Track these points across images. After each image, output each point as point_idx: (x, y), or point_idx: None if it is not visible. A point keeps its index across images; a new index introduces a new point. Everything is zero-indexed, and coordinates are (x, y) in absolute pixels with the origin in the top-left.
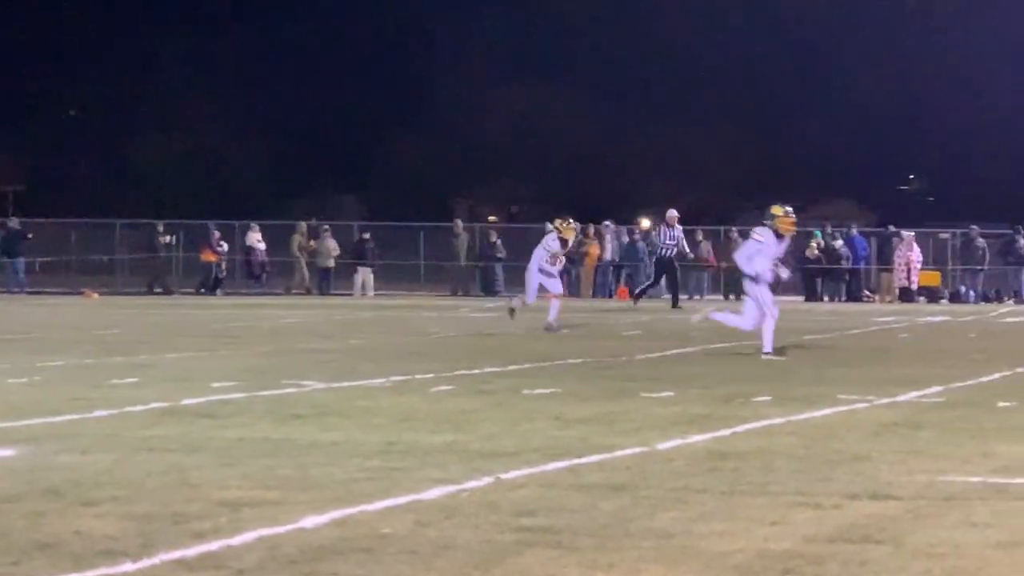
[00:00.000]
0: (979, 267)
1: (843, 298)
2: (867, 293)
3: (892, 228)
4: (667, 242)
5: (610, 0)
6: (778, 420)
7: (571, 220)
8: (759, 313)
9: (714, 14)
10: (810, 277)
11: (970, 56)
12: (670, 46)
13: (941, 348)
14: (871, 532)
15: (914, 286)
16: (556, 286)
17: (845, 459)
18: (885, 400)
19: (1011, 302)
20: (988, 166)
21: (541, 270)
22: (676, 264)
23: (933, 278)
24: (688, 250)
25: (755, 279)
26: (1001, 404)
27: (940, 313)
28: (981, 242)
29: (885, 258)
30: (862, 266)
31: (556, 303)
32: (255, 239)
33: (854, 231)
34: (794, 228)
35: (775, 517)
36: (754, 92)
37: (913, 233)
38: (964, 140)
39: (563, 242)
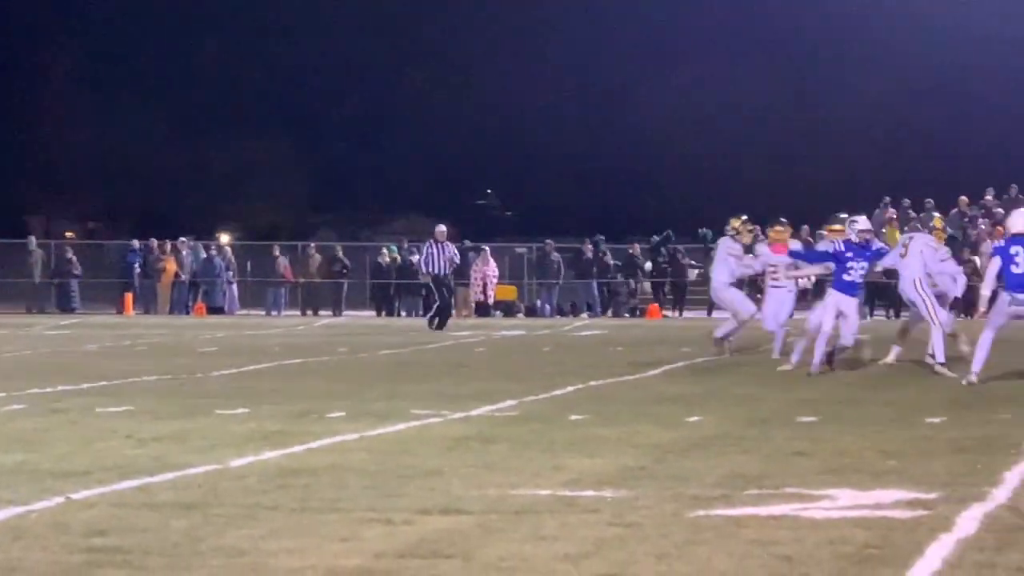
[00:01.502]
0: (554, 281)
1: (420, 313)
2: None
3: (468, 243)
4: (441, 259)
5: (179, 21)
6: (351, 436)
7: (747, 218)
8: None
9: (280, 30)
10: (384, 292)
11: (542, 72)
12: (237, 62)
13: (516, 362)
14: (441, 547)
15: (491, 300)
16: (748, 305)
17: (417, 474)
18: (459, 415)
19: (586, 315)
20: (563, 181)
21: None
22: (450, 283)
23: (509, 292)
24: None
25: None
26: (573, 417)
27: (516, 327)
28: (556, 256)
29: (462, 272)
30: None
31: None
32: None
33: None
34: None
35: (346, 533)
36: (326, 109)
37: (488, 248)
38: (539, 155)
39: (743, 247)
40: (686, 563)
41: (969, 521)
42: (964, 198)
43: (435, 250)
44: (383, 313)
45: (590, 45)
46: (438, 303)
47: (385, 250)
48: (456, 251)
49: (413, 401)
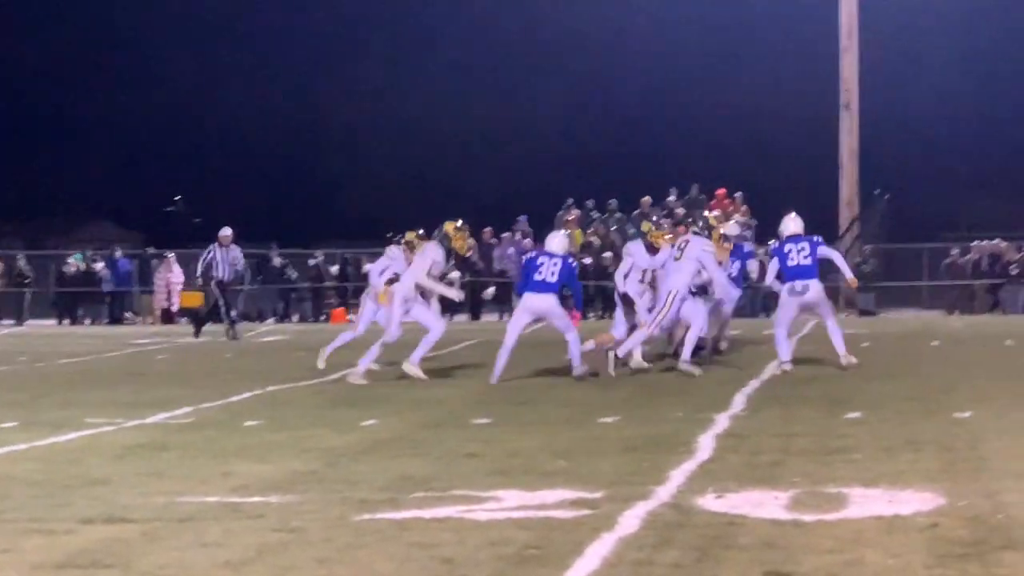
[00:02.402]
0: (239, 287)
1: (105, 320)
2: (129, 315)
3: (152, 249)
4: (224, 264)
5: None
6: (21, 446)
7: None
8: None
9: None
10: (68, 300)
11: (233, 77)
12: None
13: (196, 369)
14: (102, 556)
15: (176, 308)
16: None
17: (84, 483)
18: (134, 422)
19: (272, 321)
20: (252, 187)
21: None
22: (232, 288)
23: (196, 299)
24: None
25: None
26: (247, 423)
27: (201, 334)
28: (279, 261)
29: (147, 280)
30: (125, 288)
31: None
32: None
33: (117, 253)
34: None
35: (6, 545)
36: (13, 113)
37: (174, 254)
38: (229, 160)
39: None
40: (347, 567)
41: (631, 519)
42: (647, 198)
43: (219, 255)
44: (66, 322)
45: (283, 47)
46: (224, 309)
47: (71, 259)
48: (241, 255)
49: (88, 410)
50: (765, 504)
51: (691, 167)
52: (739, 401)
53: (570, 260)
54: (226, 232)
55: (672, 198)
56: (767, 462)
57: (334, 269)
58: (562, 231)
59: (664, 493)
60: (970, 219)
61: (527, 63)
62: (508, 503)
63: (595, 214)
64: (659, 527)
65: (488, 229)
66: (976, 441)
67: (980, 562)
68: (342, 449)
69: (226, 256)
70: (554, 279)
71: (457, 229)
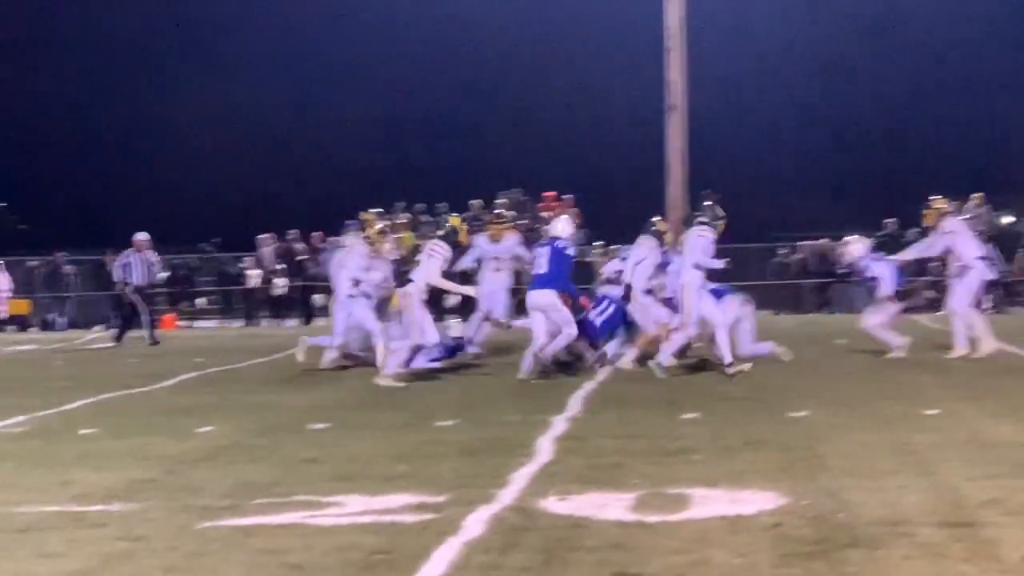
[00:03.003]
0: (67, 294)
1: None
2: None
3: None
4: (142, 269)
5: None
6: None
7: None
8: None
9: None
10: None
11: (52, 80)
12: None
13: (27, 377)
14: None
15: (4, 316)
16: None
17: None
18: None
19: (100, 328)
20: (84, 191)
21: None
22: (143, 294)
23: (23, 307)
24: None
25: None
26: (83, 431)
27: (28, 342)
28: (70, 268)
29: None
30: None
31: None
32: None
33: None
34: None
35: None
36: None
37: (2, 262)
38: (58, 167)
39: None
40: (195, 575)
41: (476, 523)
42: (478, 201)
43: (135, 259)
44: None
45: (97, 49)
46: (145, 316)
47: None
48: (158, 259)
49: None
50: (609, 506)
51: (517, 169)
52: (575, 403)
53: (558, 243)
54: (141, 236)
55: (501, 200)
56: (608, 464)
57: (163, 275)
58: (564, 216)
59: (507, 496)
60: (797, 219)
61: (345, 66)
62: (352, 508)
63: (425, 217)
64: (505, 530)
65: (318, 234)
66: (813, 440)
67: (826, 560)
68: (180, 456)
69: (144, 260)
70: (544, 271)
71: (463, 222)
